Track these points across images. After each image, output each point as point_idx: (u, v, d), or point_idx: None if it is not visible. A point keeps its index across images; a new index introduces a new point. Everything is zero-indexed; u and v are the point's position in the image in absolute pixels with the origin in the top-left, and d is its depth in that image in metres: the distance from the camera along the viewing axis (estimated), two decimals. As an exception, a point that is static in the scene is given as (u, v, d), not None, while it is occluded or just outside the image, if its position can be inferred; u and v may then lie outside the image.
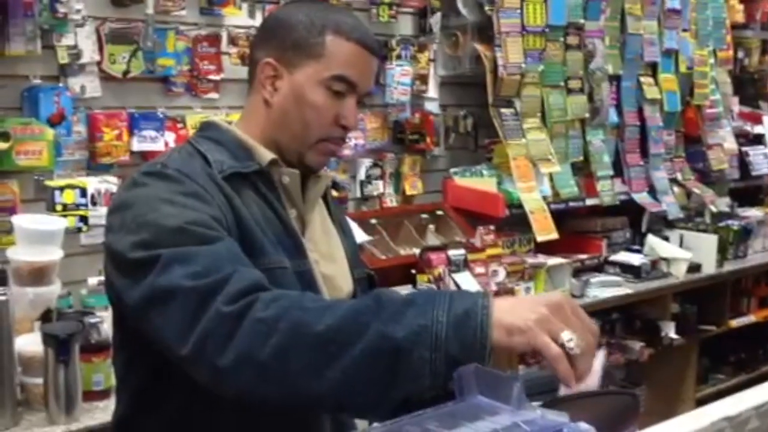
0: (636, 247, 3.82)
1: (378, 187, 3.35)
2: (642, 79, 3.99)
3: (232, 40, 2.90)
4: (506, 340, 1.01)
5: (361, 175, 3.31)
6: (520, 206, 3.38)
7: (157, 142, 2.70)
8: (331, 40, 1.38)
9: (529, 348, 1.00)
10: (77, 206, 2.43)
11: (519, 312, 1.02)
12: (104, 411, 2.01)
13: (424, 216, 3.36)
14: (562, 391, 1.01)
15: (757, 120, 4.74)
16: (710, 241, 3.89)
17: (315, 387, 1.06)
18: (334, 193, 1.60)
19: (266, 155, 1.40)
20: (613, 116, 3.86)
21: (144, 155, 2.68)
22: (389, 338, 1.02)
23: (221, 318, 1.11)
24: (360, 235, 2.88)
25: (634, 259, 3.67)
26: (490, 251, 3.18)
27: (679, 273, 3.74)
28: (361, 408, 1.10)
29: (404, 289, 2.83)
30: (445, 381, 1.00)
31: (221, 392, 1.14)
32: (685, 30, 4.16)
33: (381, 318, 1.04)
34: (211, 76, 2.86)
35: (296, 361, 1.07)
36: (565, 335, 0.99)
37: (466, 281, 3.01)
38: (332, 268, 1.47)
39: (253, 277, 1.17)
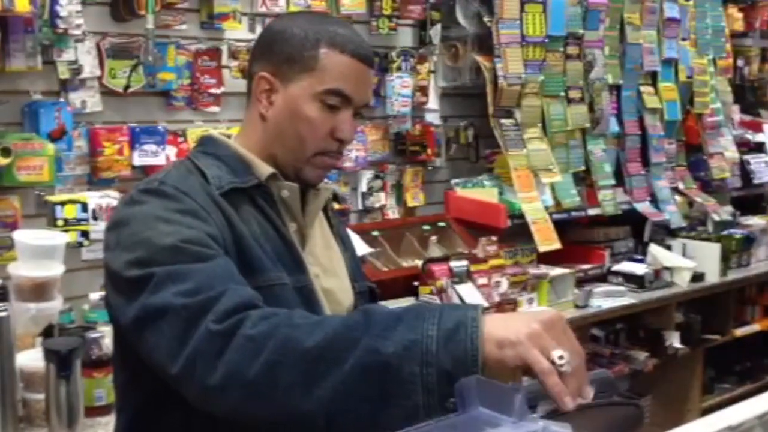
0: (639, 256, 3.81)
1: (380, 198, 3.35)
2: (642, 88, 3.99)
3: (233, 54, 2.91)
4: (497, 353, 0.98)
5: (363, 187, 3.31)
6: (522, 217, 3.37)
7: (158, 156, 2.71)
8: (324, 53, 1.36)
9: (520, 362, 0.97)
10: (78, 221, 2.43)
11: (510, 326, 0.99)
12: (106, 427, 2.00)
13: (426, 227, 3.36)
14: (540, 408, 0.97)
15: (758, 128, 4.74)
16: (713, 250, 3.88)
17: (305, 404, 1.04)
18: (336, 205, 1.58)
19: (265, 169, 1.39)
20: (613, 126, 3.86)
21: (145, 169, 2.69)
22: (379, 354, 1.01)
23: (210, 336, 1.10)
24: (362, 248, 2.88)
25: (638, 268, 3.65)
26: (492, 262, 3.17)
27: (683, 282, 3.73)
28: (354, 427, 1.06)
29: (406, 302, 2.82)
30: (440, 398, 0.97)
31: (211, 410, 1.13)
32: (684, 39, 4.17)
33: (371, 334, 1.03)
34: (212, 90, 2.87)
35: (285, 379, 1.05)
36: (557, 353, 0.96)
37: (469, 292, 3.00)
38: (333, 282, 1.46)
39: (244, 295, 1.16)
